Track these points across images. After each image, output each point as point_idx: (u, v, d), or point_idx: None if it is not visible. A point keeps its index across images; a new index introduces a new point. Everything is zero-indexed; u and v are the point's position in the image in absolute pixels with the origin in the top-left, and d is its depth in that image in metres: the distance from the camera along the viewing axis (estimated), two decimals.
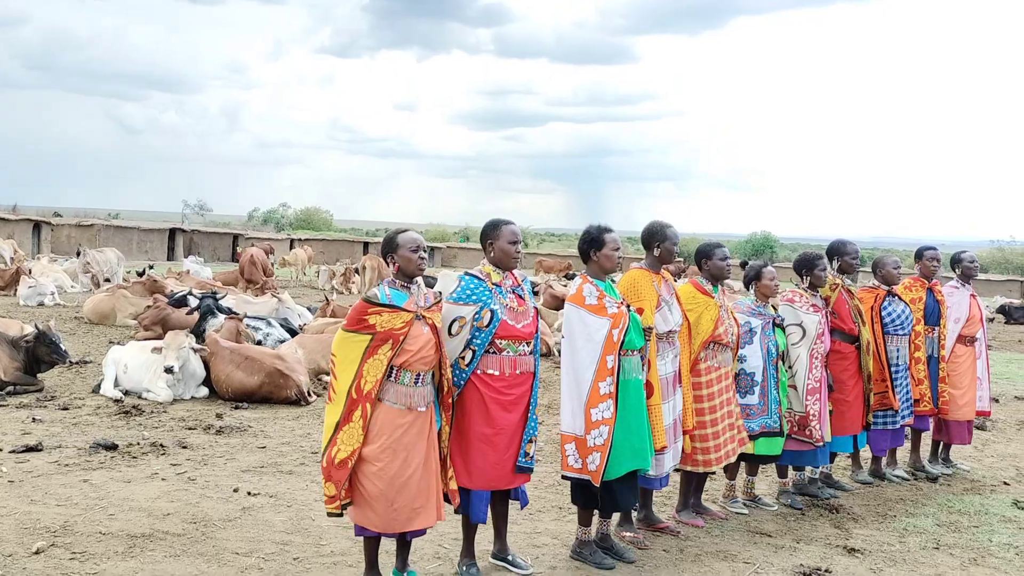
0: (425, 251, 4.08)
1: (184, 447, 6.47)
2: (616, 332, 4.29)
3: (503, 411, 4.14)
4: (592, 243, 4.53)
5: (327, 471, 3.86)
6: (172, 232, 36.49)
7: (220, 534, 4.69)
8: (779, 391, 5.46)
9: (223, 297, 12.08)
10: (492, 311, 4.11)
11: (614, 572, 4.39)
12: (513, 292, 4.25)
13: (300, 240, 37.33)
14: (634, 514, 4.97)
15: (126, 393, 8.19)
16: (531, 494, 4.50)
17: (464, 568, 4.25)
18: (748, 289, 5.71)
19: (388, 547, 4.15)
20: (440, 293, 4.17)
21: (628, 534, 4.81)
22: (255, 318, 11.00)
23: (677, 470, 5.14)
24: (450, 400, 4.08)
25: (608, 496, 4.40)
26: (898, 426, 6.24)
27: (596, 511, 4.55)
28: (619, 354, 4.32)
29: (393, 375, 3.87)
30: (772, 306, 5.66)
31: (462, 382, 4.11)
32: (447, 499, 4.11)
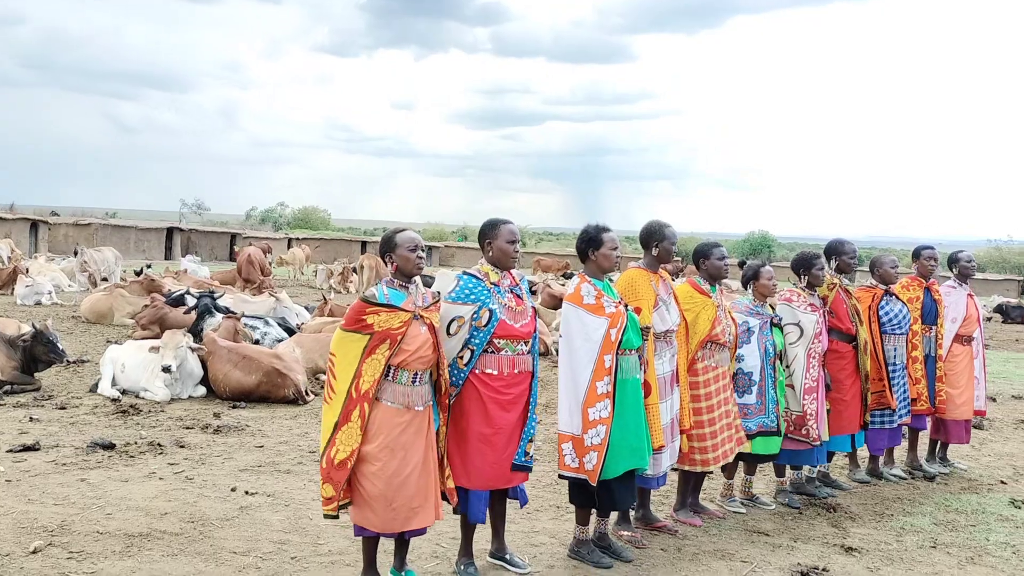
0: (423, 250, 4.08)
1: (182, 446, 6.46)
2: (614, 331, 4.29)
3: (501, 411, 4.14)
4: (590, 242, 4.53)
5: (326, 472, 3.85)
6: (170, 231, 36.46)
7: (218, 533, 4.69)
8: (776, 391, 5.46)
9: (221, 296, 12.07)
10: (491, 310, 4.11)
11: (612, 571, 4.40)
12: (511, 291, 4.25)
13: (298, 239, 37.31)
14: (632, 513, 4.98)
15: (124, 392, 8.18)
16: (529, 493, 4.50)
17: (462, 567, 4.25)
18: (746, 289, 5.71)
19: (386, 546, 4.15)
20: (438, 293, 4.17)
21: (626, 533, 4.81)
22: (253, 317, 10.99)
23: (675, 469, 5.15)
24: (447, 400, 4.09)
25: (606, 495, 4.41)
26: (895, 425, 6.25)
27: (594, 510, 4.55)
28: (617, 353, 4.32)
29: (391, 374, 3.87)
30: (770, 305, 5.67)
31: (460, 381, 4.11)
32: (445, 498, 4.11)
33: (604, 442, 4.25)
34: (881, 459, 6.49)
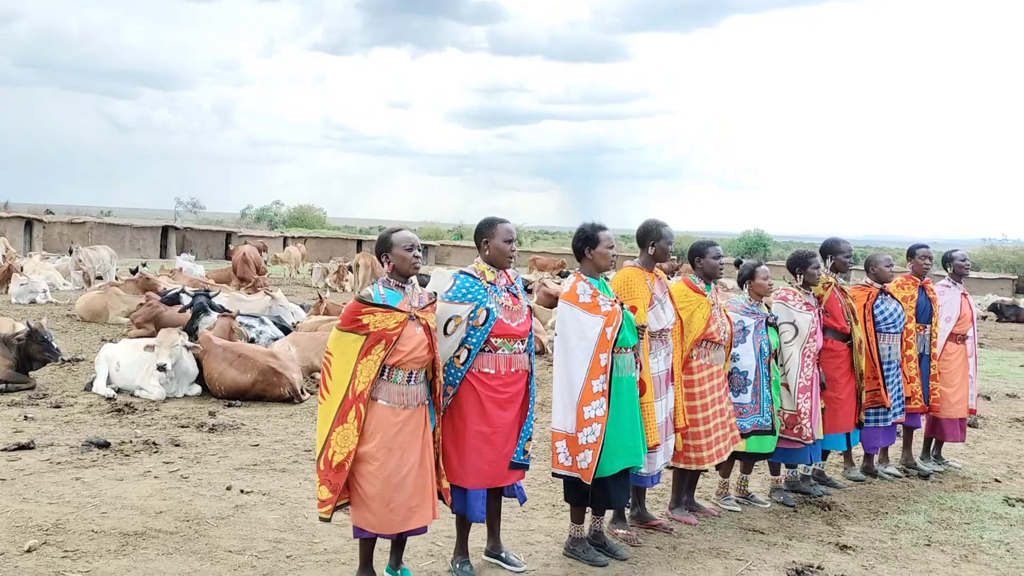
0: (419, 250, 4.07)
1: (177, 445, 6.45)
2: (610, 330, 4.30)
3: (499, 409, 4.14)
4: (586, 241, 4.53)
5: (324, 474, 3.84)
6: (165, 230, 36.38)
7: (213, 532, 4.68)
8: (771, 390, 5.47)
9: (216, 295, 12.05)
10: (488, 309, 4.11)
11: (607, 569, 4.40)
12: (507, 290, 4.26)
13: (293, 238, 37.25)
14: (627, 511, 4.98)
15: (118, 391, 8.17)
16: (525, 492, 4.50)
17: (458, 566, 4.26)
18: (742, 288, 5.72)
19: (382, 544, 4.14)
20: (435, 293, 4.17)
21: (621, 531, 4.82)
22: (248, 316, 10.98)
23: (670, 468, 5.16)
24: (441, 401, 4.08)
25: (601, 493, 4.41)
26: (890, 423, 6.27)
27: (589, 509, 4.56)
28: (612, 352, 4.32)
29: (386, 374, 3.87)
30: (766, 305, 5.68)
31: (457, 381, 4.11)
32: (442, 498, 4.11)
33: (599, 440, 4.26)
34: (876, 457, 6.50)
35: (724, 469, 5.60)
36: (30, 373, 8.43)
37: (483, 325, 4.09)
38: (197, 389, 8.39)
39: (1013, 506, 5.83)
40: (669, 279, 5.13)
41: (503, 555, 4.39)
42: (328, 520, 3.92)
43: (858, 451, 6.47)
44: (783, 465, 5.83)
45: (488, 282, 4.19)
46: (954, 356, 6.70)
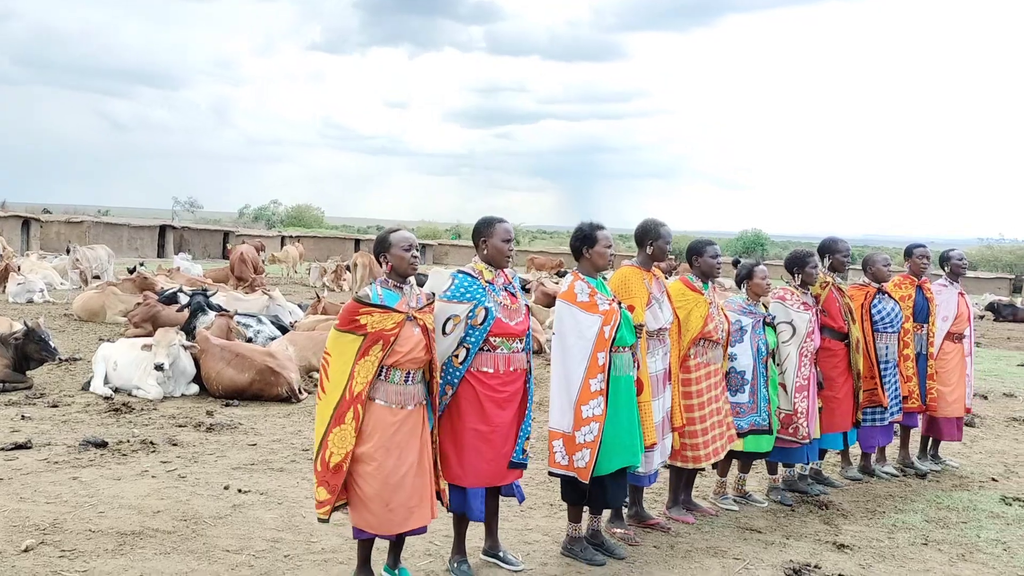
0: (417, 250, 4.07)
1: (174, 444, 6.45)
2: (607, 329, 4.30)
3: (498, 409, 4.14)
4: (584, 240, 4.53)
5: (321, 476, 3.83)
6: (162, 229, 36.35)
7: (210, 531, 4.68)
8: (769, 389, 5.48)
9: (213, 294, 12.04)
10: (487, 309, 4.11)
11: (605, 568, 4.41)
12: (505, 289, 4.26)
13: (291, 237, 37.23)
14: (625, 511, 4.99)
15: (116, 390, 8.16)
16: (523, 491, 4.50)
17: (455, 565, 4.26)
18: (740, 288, 5.72)
19: (379, 544, 4.14)
20: (432, 294, 4.17)
21: (619, 530, 4.82)
22: (246, 315, 10.97)
23: (667, 466, 5.16)
24: (437, 402, 4.08)
25: (598, 492, 4.42)
26: (887, 423, 6.27)
27: (586, 508, 4.56)
28: (610, 351, 4.33)
29: (383, 374, 3.86)
30: (763, 304, 5.69)
31: (456, 380, 4.11)
32: (439, 498, 4.11)
33: (597, 439, 4.26)
34: (873, 456, 6.51)
35: (722, 468, 5.61)
36: (27, 372, 8.42)
37: (482, 324, 4.10)
38: (195, 388, 8.38)
39: (1010, 505, 5.84)
40: (667, 279, 5.14)
41: (501, 554, 4.39)
42: (326, 521, 3.91)
43: (855, 450, 6.48)
44: (780, 464, 5.84)
45: (486, 281, 4.20)
46: (951, 355, 6.71)
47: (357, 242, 38.87)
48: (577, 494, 4.45)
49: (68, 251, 20.05)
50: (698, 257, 5.25)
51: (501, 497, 4.40)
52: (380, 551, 4.15)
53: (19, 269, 16.87)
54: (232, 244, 29.89)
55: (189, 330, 9.72)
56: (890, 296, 6.36)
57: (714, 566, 4.53)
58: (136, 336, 10.06)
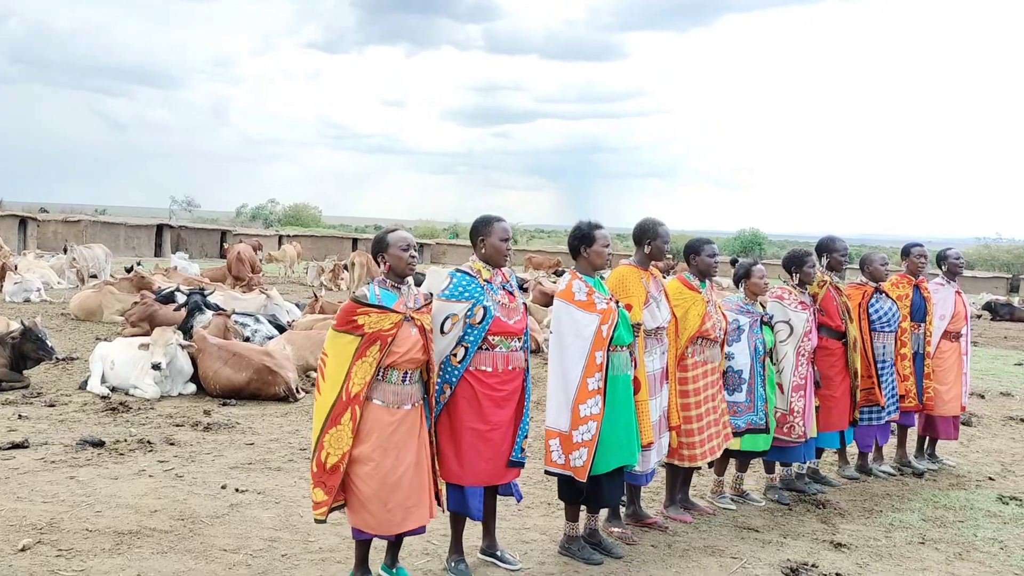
0: (415, 250, 4.06)
1: (172, 444, 6.44)
2: (605, 328, 4.30)
3: (496, 407, 4.14)
4: (583, 239, 4.53)
5: (317, 476, 3.83)
6: (160, 228, 36.32)
7: (208, 531, 4.68)
8: (766, 388, 5.48)
9: (211, 293, 12.03)
10: (485, 308, 4.11)
11: (602, 568, 4.41)
12: (503, 288, 4.26)
13: (289, 236, 37.21)
14: (622, 510, 4.99)
15: (113, 390, 8.15)
16: (520, 490, 4.51)
17: (453, 564, 4.26)
18: (738, 287, 5.73)
19: (377, 543, 4.14)
20: (430, 294, 4.17)
21: (616, 530, 4.82)
22: (243, 314, 10.96)
23: (663, 465, 5.17)
24: (433, 401, 4.08)
25: (594, 491, 4.42)
26: (883, 422, 6.28)
27: (584, 507, 4.56)
28: (608, 350, 4.33)
29: (381, 374, 3.85)
30: (760, 304, 5.69)
31: (455, 379, 4.11)
32: (437, 498, 4.11)
33: (594, 438, 4.26)
34: (870, 455, 6.52)
35: (719, 468, 5.61)
36: (24, 372, 8.41)
37: (480, 323, 4.09)
38: (192, 388, 8.37)
39: (1007, 504, 5.85)
40: (664, 278, 5.14)
41: (498, 553, 4.39)
42: (323, 522, 3.91)
43: (852, 449, 6.49)
44: (778, 463, 5.85)
45: (484, 280, 4.20)
46: (948, 354, 6.72)
47: (355, 241, 38.85)
48: (573, 493, 4.45)
49: (65, 250, 20.04)
50: (695, 256, 5.25)
51: (499, 496, 4.40)
52: (378, 550, 4.15)
53: (16, 268, 16.84)
54: (229, 243, 29.89)
55: (186, 329, 9.71)
56: (887, 295, 6.37)
57: (711, 565, 4.53)
58: (133, 335, 10.04)
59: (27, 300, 15.61)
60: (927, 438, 6.90)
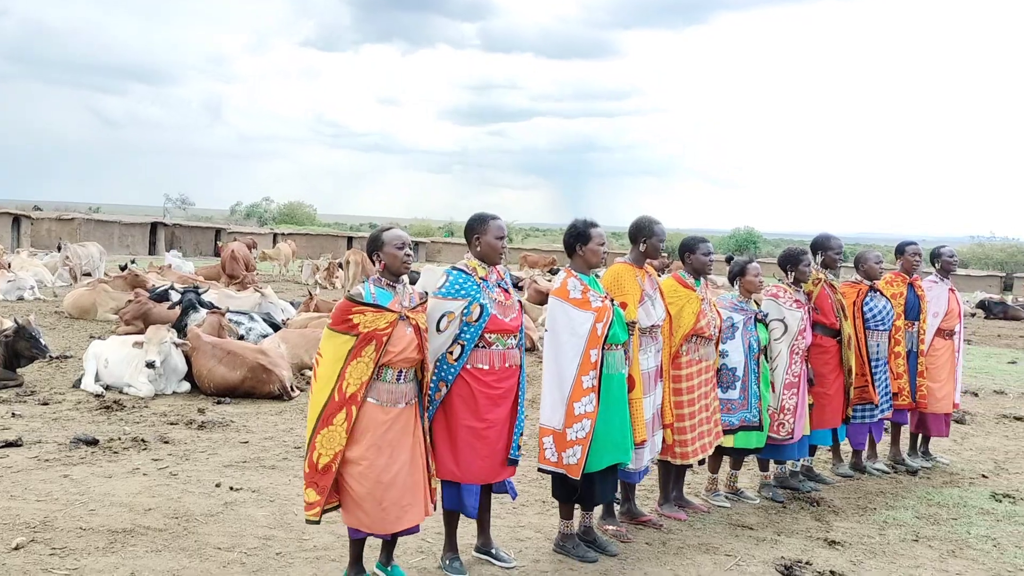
0: (410, 248, 4.06)
1: (166, 442, 6.43)
2: (600, 326, 4.30)
3: (493, 405, 4.15)
4: (578, 237, 4.53)
5: (310, 477, 3.82)
6: (154, 226, 36.23)
7: (202, 529, 4.67)
8: (760, 386, 5.49)
9: (205, 292, 12.01)
10: (482, 305, 4.11)
11: (597, 565, 4.41)
12: (499, 286, 4.26)
13: (283, 234, 37.15)
14: (617, 507, 4.99)
15: (107, 388, 8.14)
16: (515, 488, 4.51)
17: (447, 562, 4.26)
18: (732, 284, 5.74)
19: (372, 541, 4.14)
20: (425, 293, 4.16)
21: (611, 527, 4.83)
22: (237, 313, 10.95)
23: (657, 462, 5.17)
24: (427, 400, 4.08)
25: (587, 489, 4.42)
26: (876, 419, 6.30)
27: (577, 505, 4.57)
28: (603, 348, 4.33)
29: (376, 372, 3.85)
30: (755, 301, 5.70)
31: (451, 377, 4.10)
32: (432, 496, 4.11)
33: (588, 436, 4.27)
34: (864, 453, 6.54)
35: (713, 465, 5.62)
36: (18, 370, 8.38)
37: (477, 321, 4.09)
38: (186, 386, 8.36)
39: (1000, 502, 5.87)
40: (659, 276, 5.15)
41: (493, 551, 4.39)
42: (317, 522, 3.90)
43: (846, 447, 6.51)
44: (772, 461, 5.86)
45: (480, 278, 4.19)
46: (941, 352, 6.74)
47: (350, 239, 38.81)
48: (567, 490, 4.45)
49: (59, 248, 19.98)
50: (690, 254, 5.26)
51: (494, 494, 4.40)
52: (372, 548, 4.15)
53: (9, 266, 16.79)
54: (224, 241, 29.84)
55: (180, 327, 9.69)
56: (882, 294, 6.39)
57: (706, 562, 4.54)
58: (127, 333, 10.01)
59: (20, 298, 15.56)
60: (920, 436, 6.92)
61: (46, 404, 7.55)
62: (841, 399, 6.02)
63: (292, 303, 14.14)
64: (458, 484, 4.17)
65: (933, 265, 6.98)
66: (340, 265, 22.19)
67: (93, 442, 6.23)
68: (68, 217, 33.00)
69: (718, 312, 5.29)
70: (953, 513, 5.60)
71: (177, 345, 8.25)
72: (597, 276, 4.65)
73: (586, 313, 4.33)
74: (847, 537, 5.03)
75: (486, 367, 4.14)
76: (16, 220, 30.88)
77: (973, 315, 21.30)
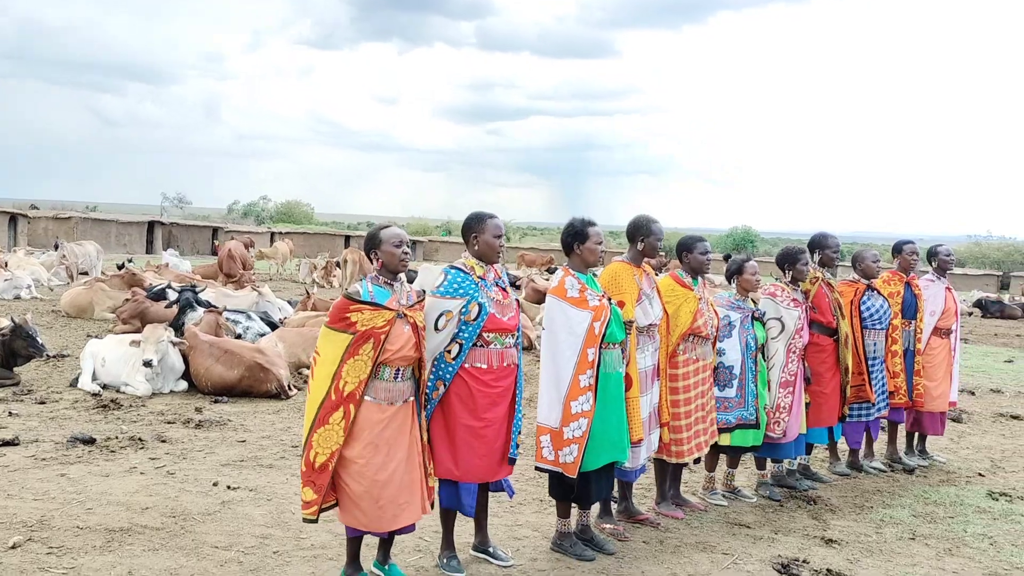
0: (408, 246, 4.06)
1: (163, 441, 6.43)
2: (597, 325, 4.31)
3: (491, 404, 4.15)
4: (576, 236, 4.54)
5: (307, 475, 3.82)
6: (151, 225, 36.18)
7: (199, 528, 4.67)
8: (757, 384, 5.50)
9: (202, 290, 11.99)
10: (480, 304, 4.11)
11: (594, 564, 4.41)
12: (496, 285, 4.26)
13: (281, 233, 37.11)
14: (614, 506, 5.00)
15: (104, 387, 8.12)
16: (512, 487, 4.51)
17: (445, 560, 4.26)
18: (730, 283, 5.74)
19: (369, 540, 4.14)
20: (423, 291, 4.16)
21: (608, 526, 4.83)
22: (235, 311, 10.93)
23: (653, 460, 5.18)
24: (424, 398, 4.08)
25: (584, 487, 4.42)
26: (872, 418, 6.31)
27: (574, 503, 4.57)
28: (600, 347, 4.33)
29: (373, 371, 3.85)
30: (752, 300, 5.71)
31: (449, 376, 4.10)
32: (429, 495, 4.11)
33: (584, 435, 4.27)
34: (861, 452, 6.55)
35: (709, 464, 5.63)
36: (15, 369, 8.37)
37: (475, 320, 4.09)
38: (183, 385, 8.35)
39: (996, 500, 5.89)
40: (657, 275, 5.15)
41: (490, 550, 4.39)
42: (314, 521, 3.90)
43: (843, 446, 6.51)
44: (769, 460, 5.87)
45: (478, 277, 4.20)
46: (938, 350, 6.75)
47: (347, 238, 38.79)
48: (564, 489, 4.45)
49: (56, 247, 19.94)
50: (688, 253, 5.27)
51: (491, 493, 4.40)
52: (369, 547, 4.15)
53: (6, 265, 16.76)
54: (221, 240, 29.79)
55: (178, 326, 9.68)
56: (879, 293, 6.39)
57: (703, 561, 4.54)
58: (124, 332, 10.00)
59: (17, 297, 15.53)
60: (916, 434, 6.94)
61: (43, 403, 7.54)
62: (838, 398, 6.03)
63: (290, 302, 14.13)
64: (456, 483, 4.17)
65: (930, 264, 6.99)
66: (338, 264, 22.18)
67: (90, 441, 6.22)
68: (65, 216, 32.94)
69: (715, 312, 5.29)
70: (950, 511, 5.61)
71: (174, 344, 8.25)
72: (595, 275, 4.65)
73: (583, 312, 4.33)
74: (844, 535, 5.04)
75: (484, 366, 4.14)
76: (13, 219, 30.83)
77: (970, 314, 21.33)
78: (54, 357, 9.45)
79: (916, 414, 6.76)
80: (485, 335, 4.13)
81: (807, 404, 5.86)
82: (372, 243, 4.00)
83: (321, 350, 3.85)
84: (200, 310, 10.28)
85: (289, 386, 8.32)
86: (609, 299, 4.48)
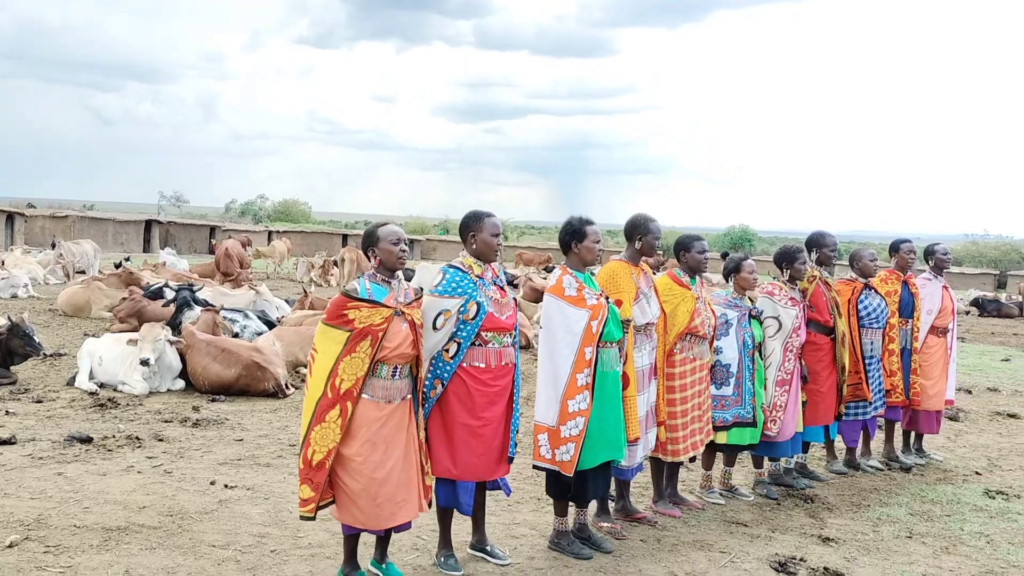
0: (406, 244, 4.06)
1: (160, 440, 6.42)
2: (595, 324, 4.31)
3: (489, 403, 4.15)
4: (574, 235, 4.54)
5: (304, 473, 3.82)
6: (148, 224, 36.11)
7: (197, 527, 4.66)
8: (755, 382, 5.51)
9: (199, 289, 11.98)
10: (479, 303, 4.11)
11: (592, 562, 4.42)
12: (494, 283, 4.26)
13: (278, 232, 37.06)
14: (611, 505, 5.00)
15: (101, 386, 8.11)
16: (510, 485, 4.51)
17: (442, 559, 4.26)
18: (728, 281, 5.75)
19: (366, 538, 4.14)
20: (421, 289, 4.16)
21: (606, 524, 4.83)
22: (232, 310, 10.92)
23: (650, 459, 5.18)
24: (422, 398, 4.08)
25: (580, 486, 4.43)
26: (869, 417, 6.32)
27: (571, 502, 4.57)
28: (597, 346, 4.33)
29: (371, 368, 3.85)
30: (749, 298, 5.71)
31: (447, 375, 4.10)
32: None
33: (582, 434, 4.27)
34: (858, 450, 6.56)
35: (706, 462, 5.63)
36: (12, 368, 8.35)
37: (474, 319, 4.09)
38: (180, 384, 8.34)
39: (993, 498, 5.90)
40: (655, 274, 5.15)
41: (488, 548, 4.40)
42: (312, 519, 3.90)
43: (840, 444, 6.52)
44: (766, 458, 5.87)
45: (476, 276, 4.20)
46: (934, 349, 6.76)
47: (345, 237, 38.74)
48: (561, 487, 4.46)
49: (53, 246, 19.91)
50: (685, 252, 5.27)
51: (488, 491, 4.40)
52: (367, 546, 4.15)
53: (3, 264, 16.73)
54: (218, 239, 29.77)
55: (175, 325, 9.67)
56: (876, 292, 6.40)
57: (700, 559, 4.55)
58: (121, 331, 9.98)
59: (14, 296, 15.50)
60: (913, 433, 6.94)
61: (40, 402, 7.53)
62: (834, 396, 6.03)
63: (287, 301, 14.11)
64: (454, 481, 4.18)
65: (927, 263, 6.99)
66: (335, 263, 22.17)
67: (87, 440, 6.22)
68: (62, 215, 32.87)
69: (712, 311, 5.30)
70: (946, 510, 5.62)
71: (171, 343, 8.24)
72: (593, 274, 4.65)
73: (581, 311, 4.33)
74: (841, 534, 5.04)
75: (482, 365, 4.14)
76: (10, 218, 30.77)
77: (967, 313, 21.36)
78: (51, 356, 9.45)
79: (912, 413, 6.77)
80: (483, 334, 4.13)
81: (804, 403, 5.86)
82: (370, 241, 4.00)
83: (318, 347, 3.85)
84: (197, 309, 10.27)
85: (286, 385, 8.31)
86: (607, 298, 4.48)
